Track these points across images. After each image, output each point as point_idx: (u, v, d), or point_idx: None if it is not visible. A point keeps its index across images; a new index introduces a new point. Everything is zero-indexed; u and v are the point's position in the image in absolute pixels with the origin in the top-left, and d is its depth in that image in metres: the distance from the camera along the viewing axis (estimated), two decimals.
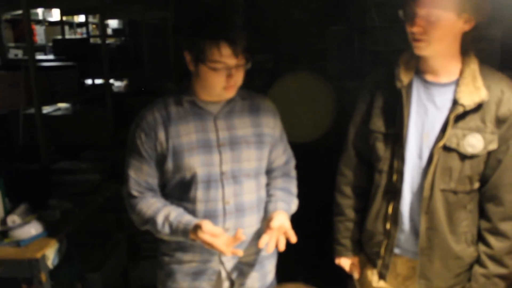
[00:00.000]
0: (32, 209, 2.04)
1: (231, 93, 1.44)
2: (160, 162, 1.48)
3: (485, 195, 1.45)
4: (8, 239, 1.87)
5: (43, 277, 1.82)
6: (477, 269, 1.46)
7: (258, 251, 1.58)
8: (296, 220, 1.53)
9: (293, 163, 1.66)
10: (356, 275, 1.68)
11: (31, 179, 2.25)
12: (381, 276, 1.57)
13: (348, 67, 5.18)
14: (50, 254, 1.88)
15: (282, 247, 1.38)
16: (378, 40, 5.04)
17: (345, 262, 1.70)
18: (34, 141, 2.54)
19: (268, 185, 1.60)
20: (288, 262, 1.77)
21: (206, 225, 1.36)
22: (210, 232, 1.35)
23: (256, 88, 1.63)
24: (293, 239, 1.38)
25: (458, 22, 1.30)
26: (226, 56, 1.34)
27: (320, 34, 5.46)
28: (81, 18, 6.58)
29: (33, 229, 1.89)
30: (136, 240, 2.78)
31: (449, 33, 1.32)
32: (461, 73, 1.38)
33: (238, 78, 1.41)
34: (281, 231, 1.39)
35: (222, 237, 1.36)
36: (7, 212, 1.97)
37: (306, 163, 1.93)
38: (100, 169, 2.59)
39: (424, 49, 1.34)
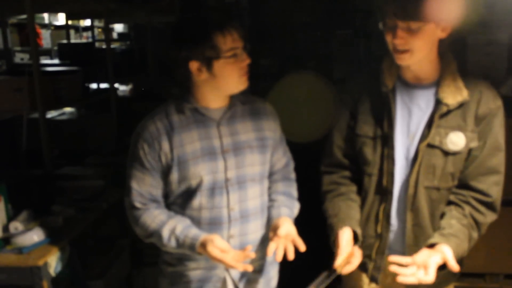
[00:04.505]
0: (35, 215, 2.03)
1: (245, 82, 1.45)
2: (165, 173, 1.46)
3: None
4: (10, 246, 1.85)
5: (45, 284, 1.81)
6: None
7: (262, 257, 1.57)
8: (296, 223, 1.50)
9: (292, 165, 1.65)
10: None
11: (34, 185, 2.24)
12: (373, 279, 1.56)
13: (353, 71, 5.17)
14: (53, 261, 1.87)
15: (291, 255, 1.36)
16: (383, 44, 5.02)
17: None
18: (37, 146, 2.54)
19: (269, 188, 1.59)
20: (288, 268, 1.74)
21: (217, 240, 1.35)
22: (220, 247, 1.34)
23: (261, 93, 1.62)
24: (302, 247, 1.37)
25: (437, 30, 1.35)
26: (236, 40, 1.40)
27: (325, 38, 5.45)
28: (86, 22, 6.62)
29: (36, 235, 1.87)
30: (139, 246, 2.75)
31: (429, 42, 1.37)
32: (441, 74, 1.43)
33: (247, 62, 1.44)
34: (288, 239, 1.38)
35: (231, 252, 1.35)
36: (10, 218, 1.96)
37: (308, 166, 1.91)
38: (104, 175, 2.57)
39: (407, 60, 1.39)
